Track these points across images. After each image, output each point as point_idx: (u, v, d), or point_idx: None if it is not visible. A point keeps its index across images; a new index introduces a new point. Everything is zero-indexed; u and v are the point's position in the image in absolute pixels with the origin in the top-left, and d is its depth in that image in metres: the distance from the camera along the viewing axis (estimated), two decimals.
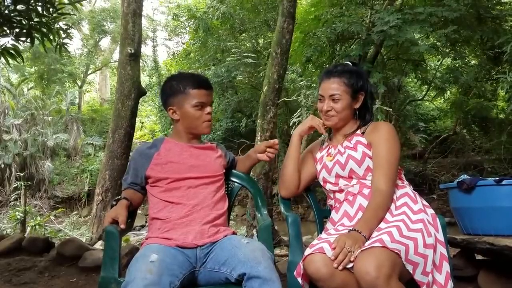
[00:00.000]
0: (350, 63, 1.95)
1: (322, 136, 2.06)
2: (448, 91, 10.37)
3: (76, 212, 10.92)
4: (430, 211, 1.71)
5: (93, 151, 13.98)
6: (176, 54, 15.98)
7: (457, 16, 6.35)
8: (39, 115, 13.13)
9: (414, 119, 12.08)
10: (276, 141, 2.00)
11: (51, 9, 3.91)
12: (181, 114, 1.86)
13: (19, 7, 3.79)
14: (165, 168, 1.79)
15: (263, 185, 6.23)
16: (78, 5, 4.46)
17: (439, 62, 9.71)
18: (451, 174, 10.34)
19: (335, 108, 1.85)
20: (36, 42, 4.01)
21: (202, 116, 1.85)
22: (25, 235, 4.78)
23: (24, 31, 3.87)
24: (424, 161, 11.70)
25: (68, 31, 4.41)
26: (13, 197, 10.14)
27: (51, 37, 4.02)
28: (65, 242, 3.50)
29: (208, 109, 1.86)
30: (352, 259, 1.44)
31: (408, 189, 1.78)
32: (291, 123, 7.90)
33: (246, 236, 6.74)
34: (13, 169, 11.53)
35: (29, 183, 11.02)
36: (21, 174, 10.66)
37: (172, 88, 1.87)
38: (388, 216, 1.64)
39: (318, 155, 1.99)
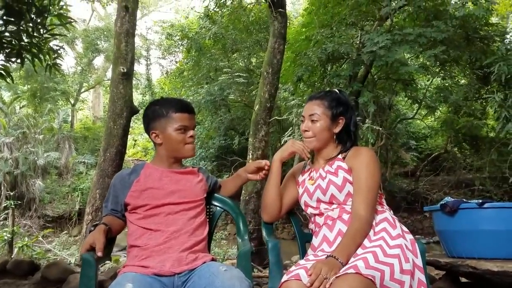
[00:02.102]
0: (337, 91, 1.97)
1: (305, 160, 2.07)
2: (439, 110, 10.47)
3: (66, 231, 10.79)
4: (409, 236, 1.71)
5: (84, 169, 13.89)
6: (169, 73, 16.07)
7: (446, 37, 6.46)
8: (31, 133, 13.06)
9: (405, 138, 12.18)
10: (267, 162, 2.00)
11: (41, 30, 3.94)
12: (164, 137, 1.86)
13: (9, 27, 3.81)
14: (144, 195, 1.78)
15: (255, 204, 6.22)
16: (70, 25, 4.47)
17: (429, 82, 9.82)
18: (443, 192, 10.38)
19: (312, 129, 1.87)
20: (27, 62, 4.03)
21: (185, 139, 1.86)
22: (12, 256, 4.72)
23: (15, 51, 3.88)
24: (416, 179, 11.75)
25: (59, 51, 4.43)
26: (2, 217, 10.00)
27: (42, 57, 4.03)
28: (49, 265, 3.46)
29: (191, 132, 1.88)
30: (327, 286, 1.43)
31: (388, 214, 1.78)
32: (283, 141, 7.93)
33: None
34: (3, 188, 11.42)
35: (19, 202, 10.90)
36: (11, 193, 10.55)
37: (154, 113, 1.88)
38: (366, 241, 1.64)
39: (300, 179, 1.99)
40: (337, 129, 1.89)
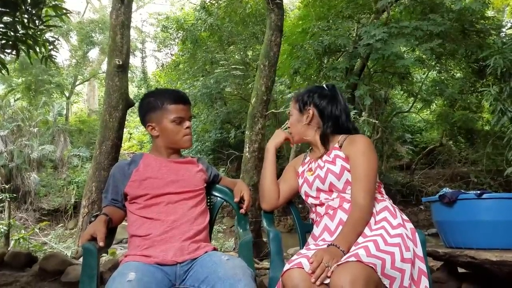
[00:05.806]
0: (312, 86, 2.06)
1: (306, 152, 2.09)
2: (434, 103, 10.50)
3: (62, 224, 10.77)
4: (410, 225, 1.72)
5: (80, 162, 13.84)
6: (165, 65, 15.97)
7: (442, 30, 6.47)
8: (26, 126, 13.00)
9: (401, 131, 12.21)
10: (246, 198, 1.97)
11: (37, 21, 3.90)
12: (160, 129, 1.86)
13: (4, 19, 3.77)
14: (143, 185, 1.77)
15: (252, 197, 6.23)
16: (65, 16, 4.43)
17: (425, 75, 9.85)
18: (437, 185, 10.43)
19: (289, 123, 1.99)
20: (22, 54, 3.99)
21: (181, 130, 1.86)
22: (8, 249, 4.69)
23: (10, 43, 3.84)
24: (411, 172, 11.81)
25: (55, 43, 4.39)
26: None
27: (37, 49, 4.00)
28: (47, 257, 3.44)
29: (186, 123, 1.87)
30: (329, 274, 1.43)
31: (388, 203, 1.79)
32: None
33: (234, 249, 6.70)
34: None
35: (15, 195, 10.86)
36: (7, 186, 10.50)
37: (149, 104, 1.87)
38: (366, 230, 1.64)
39: (300, 169, 2.01)
40: (306, 120, 1.92)
